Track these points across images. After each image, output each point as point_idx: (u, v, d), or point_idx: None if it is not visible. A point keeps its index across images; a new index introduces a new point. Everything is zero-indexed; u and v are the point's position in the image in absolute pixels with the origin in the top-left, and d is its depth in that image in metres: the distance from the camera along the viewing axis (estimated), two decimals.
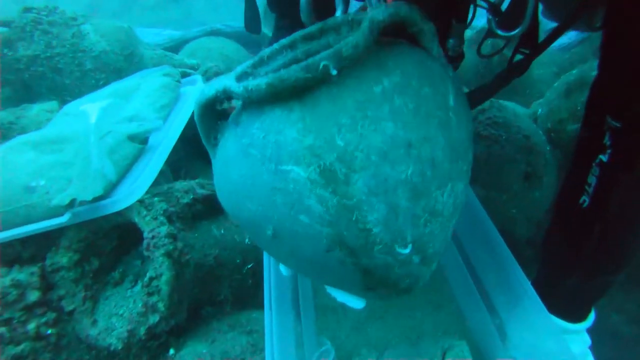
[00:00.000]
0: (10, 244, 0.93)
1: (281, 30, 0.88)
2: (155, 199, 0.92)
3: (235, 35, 2.63)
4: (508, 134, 1.42)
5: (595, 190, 0.63)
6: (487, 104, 1.46)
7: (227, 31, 2.66)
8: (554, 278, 0.80)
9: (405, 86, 0.49)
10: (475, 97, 0.97)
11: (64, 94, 1.90)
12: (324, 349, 0.84)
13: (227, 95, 0.54)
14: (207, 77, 2.05)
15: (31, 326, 0.83)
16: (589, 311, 0.80)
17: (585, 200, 0.64)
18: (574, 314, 0.79)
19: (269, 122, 0.50)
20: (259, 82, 0.48)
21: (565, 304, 0.78)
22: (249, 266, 1.13)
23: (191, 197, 1.03)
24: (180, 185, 1.05)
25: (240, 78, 0.56)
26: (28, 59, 1.96)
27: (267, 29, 2.36)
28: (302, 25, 0.83)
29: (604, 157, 0.61)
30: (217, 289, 1.06)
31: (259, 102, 0.51)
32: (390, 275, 0.53)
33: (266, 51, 0.61)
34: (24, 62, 1.96)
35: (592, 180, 0.63)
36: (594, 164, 0.62)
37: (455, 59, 0.90)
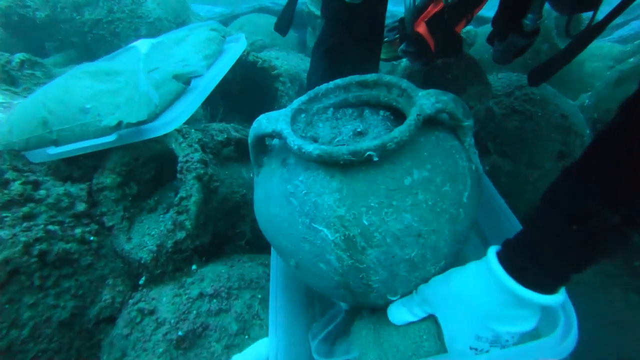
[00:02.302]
0: (63, 162, 1.05)
1: (325, 34, 0.91)
2: (192, 129, 1.00)
3: None
4: (544, 112, 1.39)
5: None
6: (526, 80, 1.43)
7: (274, 9, 2.74)
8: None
9: (430, 182, 0.59)
10: (540, 72, 0.97)
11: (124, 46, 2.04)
12: (336, 309, 0.87)
13: (279, 137, 0.65)
14: (253, 49, 2.14)
15: (78, 231, 0.93)
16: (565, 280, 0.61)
17: None
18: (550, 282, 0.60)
19: (312, 180, 0.61)
20: (312, 149, 0.58)
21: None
22: None
23: (225, 136, 1.10)
24: (217, 125, 1.13)
25: (295, 114, 0.69)
26: (92, 22, 2.12)
27: (314, 7, 2.42)
28: (345, 30, 0.88)
29: None
30: (241, 226, 1.13)
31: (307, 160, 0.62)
32: (376, 305, 0.70)
33: (322, 88, 0.73)
34: (88, 25, 2.13)
35: None
36: None
37: (531, 34, 0.92)
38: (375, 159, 0.56)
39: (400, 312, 0.68)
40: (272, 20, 2.62)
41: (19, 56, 1.38)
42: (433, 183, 0.59)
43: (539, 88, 1.43)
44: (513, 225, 0.79)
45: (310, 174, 0.61)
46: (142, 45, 1.10)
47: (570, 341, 0.61)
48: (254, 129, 0.69)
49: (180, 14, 2.26)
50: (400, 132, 0.56)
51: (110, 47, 2.14)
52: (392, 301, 0.68)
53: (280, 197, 0.64)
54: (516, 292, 0.56)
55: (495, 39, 1.00)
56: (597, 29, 0.81)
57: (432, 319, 0.67)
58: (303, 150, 0.58)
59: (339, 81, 0.73)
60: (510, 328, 0.59)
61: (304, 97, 0.72)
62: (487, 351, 0.62)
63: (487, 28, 2.30)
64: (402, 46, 1.08)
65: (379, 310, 0.74)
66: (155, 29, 2.13)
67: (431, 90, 0.63)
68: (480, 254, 0.63)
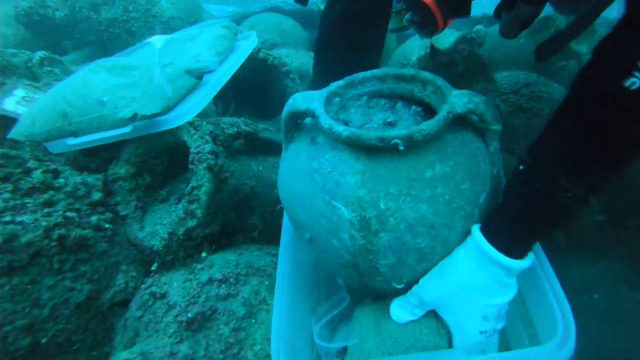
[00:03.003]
0: (80, 153, 1.10)
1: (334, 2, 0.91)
2: (204, 122, 1.04)
3: (293, 13, 2.75)
4: (551, 109, 1.40)
5: None
6: (533, 78, 1.45)
7: (285, 8, 2.78)
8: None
9: (450, 178, 0.61)
10: (548, 47, 0.97)
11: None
12: (341, 294, 0.89)
13: (312, 115, 0.68)
14: (264, 47, 2.18)
15: (93, 218, 0.98)
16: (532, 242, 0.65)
17: (635, 82, 0.48)
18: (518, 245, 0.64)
19: (337, 160, 0.64)
20: (342, 130, 0.61)
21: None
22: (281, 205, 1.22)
23: (235, 129, 1.13)
24: (227, 119, 1.17)
25: (330, 97, 0.72)
26: (108, 21, 2.19)
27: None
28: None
29: None
30: (250, 217, 1.16)
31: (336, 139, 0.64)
32: (381, 290, 0.72)
33: (359, 76, 0.76)
34: (104, 24, 2.19)
35: None
36: None
37: (538, 1, 0.92)
38: (401, 147, 0.58)
39: (401, 313, 0.71)
40: (283, 19, 2.67)
41: (39, 54, 1.44)
42: (453, 179, 0.61)
43: (546, 86, 1.44)
44: None
45: (337, 153, 0.64)
46: (157, 41, 1.14)
47: (569, 348, 0.62)
48: (289, 105, 0.71)
49: (193, 12, 2.31)
50: (429, 125, 0.58)
51: (126, 45, 2.19)
52: (396, 289, 0.70)
53: (305, 173, 0.67)
54: (507, 264, 0.61)
55: (503, 9, 1.01)
56: (601, 6, 0.82)
57: (432, 314, 0.70)
58: (333, 130, 0.61)
59: (376, 71, 0.75)
60: (505, 298, 0.64)
61: (340, 82, 0.74)
62: (495, 330, 0.65)
63: (497, 28, 2.31)
64: (408, 16, 1.08)
65: (381, 299, 0.77)
66: (168, 28, 2.19)
67: (465, 91, 0.65)
68: None
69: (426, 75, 0.71)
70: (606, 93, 0.52)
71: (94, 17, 2.18)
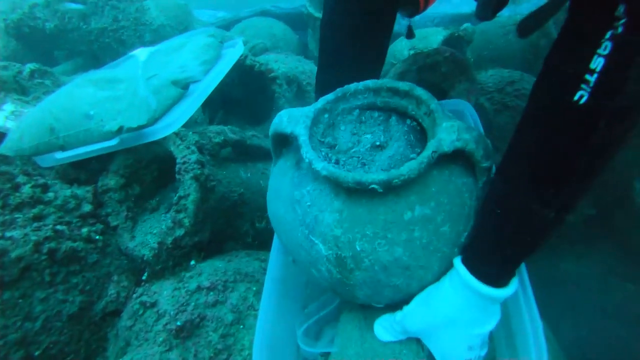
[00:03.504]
0: (70, 166, 1.11)
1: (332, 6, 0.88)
2: (190, 132, 1.05)
3: (284, 16, 2.76)
4: None
5: (602, 77, 0.47)
6: (517, 75, 1.46)
7: (276, 12, 2.79)
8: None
9: (430, 221, 0.60)
10: (529, 23, 0.98)
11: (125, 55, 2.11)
12: (326, 297, 0.91)
13: (295, 141, 0.66)
14: (254, 52, 2.19)
15: (84, 230, 0.99)
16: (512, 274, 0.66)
17: (583, 95, 0.48)
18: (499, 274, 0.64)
19: (317, 193, 0.63)
20: (321, 168, 0.59)
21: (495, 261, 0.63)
22: None
23: (222, 138, 1.15)
24: (214, 127, 1.18)
25: (318, 115, 0.69)
26: (98, 31, 2.20)
27: (313, 9, 2.46)
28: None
29: (615, 31, 0.45)
30: (240, 224, 1.18)
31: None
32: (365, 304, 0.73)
33: (351, 87, 0.71)
34: (94, 34, 2.21)
35: (597, 63, 0.47)
36: (602, 41, 0.46)
37: None
38: (380, 190, 0.57)
39: (384, 334, 0.72)
40: (273, 23, 2.69)
41: (29, 66, 1.45)
42: (433, 222, 0.60)
43: (530, 84, 1.45)
44: None
45: (318, 186, 0.63)
46: (141, 53, 1.16)
47: None
48: (274, 124, 0.70)
49: (183, 20, 2.32)
50: (409, 170, 0.56)
51: (116, 54, 2.22)
52: (376, 308, 0.73)
53: (287, 201, 0.67)
54: (491, 295, 0.61)
55: None
56: None
57: (414, 339, 0.71)
58: (313, 166, 0.60)
59: (369, 83, 0.71)
60: (490, 326, 0.64)
61: (330, 96, 0.70)
62: (480, 356, 0.66)
63: (485, 25, 2.32)
64: None
65: (367, 308, 0.77)
66: (158, 36, 2.20)
67: (456, 124, 0.60)
68: None
69: (421, 93, 0.66)
70: (558, 108, 0.51)
71: (83, 27, 2.20)
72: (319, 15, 2.34)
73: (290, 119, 0.68)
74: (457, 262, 0.63)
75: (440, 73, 1.25)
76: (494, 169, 0.66)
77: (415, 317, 0.67)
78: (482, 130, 0.86)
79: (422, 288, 0.66)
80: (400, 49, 2.26)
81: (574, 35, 0.51)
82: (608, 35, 0.46)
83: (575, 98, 0.48)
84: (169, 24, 2.23)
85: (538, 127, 0.55)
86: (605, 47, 0.46)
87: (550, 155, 0.54)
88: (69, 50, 2.27)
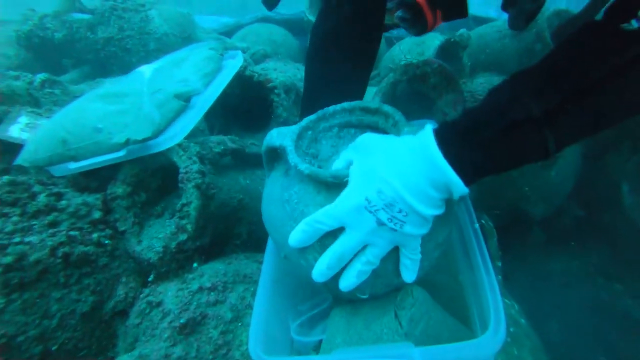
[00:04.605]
0: (81, 175, 1.19)
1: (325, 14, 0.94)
2: (191, 143, 1.13)
3: (284, 22, 2.82)
4: None
5: None
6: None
7: (276, 18, 2.86)
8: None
9: None
10: (566, 30, 1.03)
11: (131, 71, 2.21)
12: (323, 296, 0.97)
13: (283, 152, 0.78)
14: (255, 59, 2.26)
15: (94, 235, 1.07)
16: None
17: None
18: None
19: (303, 192, 0.74)
20: (304, 168, 0.71)
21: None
22: None
23: (222, 147, 1.22)
24: (215, 137, 1.26)
25: (302, 132, 0.82)
26: (104, 40, 2.28)
27: (312, 16, 2.53)
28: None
29: None
30: (239, 228, 1.26)
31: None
32: (349, 298, 0.80)
33: (329, 110, 0.85)
34: (101, 43, 2.29)
35: None
36: None
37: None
38: None
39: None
40: (274, 29, 2.76)
41: (40, 76, 1.53)
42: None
43: None
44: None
45: (303, 186, 0.74)
46: (146, 70, 1.24)
47: (499, 339, 0.64)
48: (266, 141, 0.83)
49: (186, 28, 2.40)
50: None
51: (122, 62, 2.31)
52: (360, 299, 0.79)
53: (278, 202, 0.78)
54: (441, 166, 0.56)
55: (508, 4, 1.06)
56: None
57: (392, 314, 0.75)
58: (298, 167, 0.72)
59: (345, 105, 0.85)
60: (409, 205, 0.58)
61: (312, 117, 0.84)
62: (374, 211, 0.60)
63: (483, 29, 2.37)
64: (399, 12, 1.12)
65: (353, 302, 0.85)
66: (162, 44, 2.28)
67: (414, 128, 0.70)
68: None
69: (387, 109, 0.80)
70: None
71: (91, 36, 2.28)
72: None
73: (279, 135, 0.80)
74: (428, 124, 0.61)
75: (429, 84, 1.31)
76: None
77: (371, 135, 0.68)
78: None
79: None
80: (398, 54, 2.32)
81: None
82: None
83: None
84: (172, 32, 2.30)
85: (568, 42, 0.59)
86: None
87: (568, 61, 0.57)
88: (77, 59, 2.36)
